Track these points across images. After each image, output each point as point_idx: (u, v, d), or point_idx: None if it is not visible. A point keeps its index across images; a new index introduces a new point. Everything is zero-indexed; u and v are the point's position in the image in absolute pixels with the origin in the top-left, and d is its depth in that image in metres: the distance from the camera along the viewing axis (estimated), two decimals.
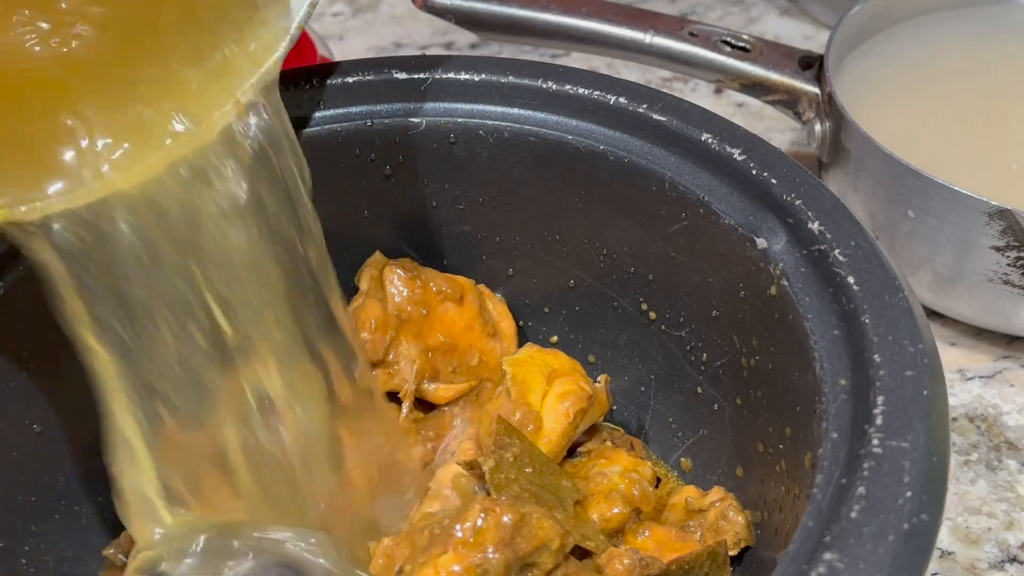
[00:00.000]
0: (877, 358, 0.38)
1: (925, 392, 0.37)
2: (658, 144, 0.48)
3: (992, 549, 0.55)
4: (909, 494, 0.34)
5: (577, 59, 0.86)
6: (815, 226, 0.43)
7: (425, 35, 0.89)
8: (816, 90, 0.65)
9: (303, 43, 0.74)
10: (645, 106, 0.49)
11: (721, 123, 0.48)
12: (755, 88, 0.67)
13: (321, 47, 0.74)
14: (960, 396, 0.62)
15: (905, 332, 0.38)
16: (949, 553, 0.54)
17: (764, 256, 0.44)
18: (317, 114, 0.51)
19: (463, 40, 0.88)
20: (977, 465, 0.58)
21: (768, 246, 0.44)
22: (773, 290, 0.43)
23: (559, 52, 0.86)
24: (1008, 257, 0.58)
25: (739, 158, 0.46)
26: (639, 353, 0.55)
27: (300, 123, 0.50)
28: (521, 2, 0.66)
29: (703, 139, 0.47)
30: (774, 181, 0.45)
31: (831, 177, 0.66)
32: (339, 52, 0.83)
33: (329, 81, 0.51)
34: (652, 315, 0.53)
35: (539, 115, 0.50)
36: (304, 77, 0.51)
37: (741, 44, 0.66)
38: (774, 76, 0.66)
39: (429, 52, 0.88)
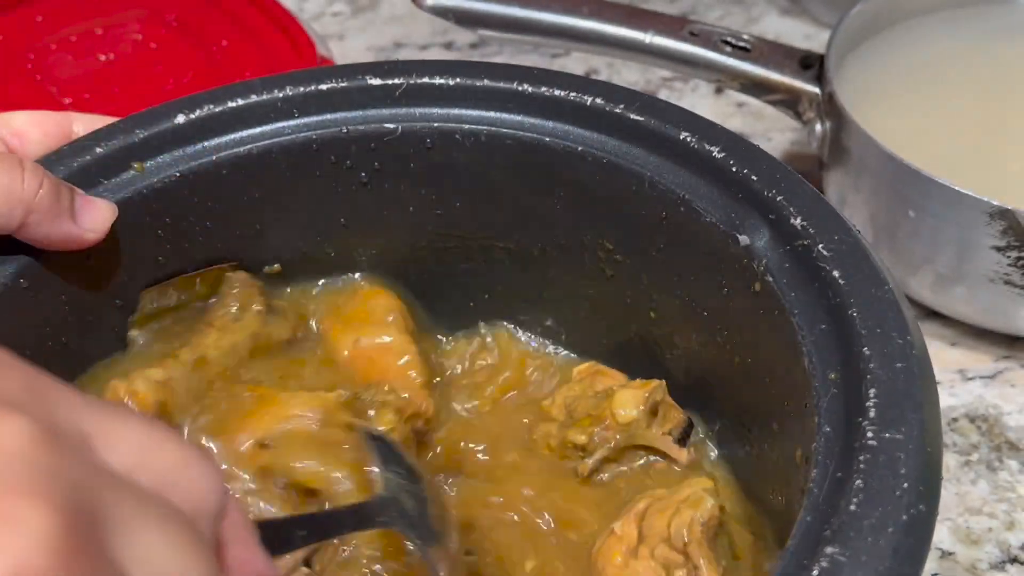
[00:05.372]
0: (866, 351, 0.38)
1: (916, 383, 0.37)
2: (637, 144, 0.48)
3: (993, 549, 0.54)
4: (906, 485, 0.34)
5: (577, 58, 0.86)
6: (797, 221, 0.43)
7: (425, 35, 0.89)
8: (817, 90, 0.65)
9: (303, 43, 0.74)
10: (622, 106, 0.49)
11: (699, 122, 0.48)
12: (755, 88, 0.67)
13: (321, 47, 0.74)
14: (961, 396, 0.62)
15: (893, 324, 0.38)
16: (950, 553, 0.54)
17: (747, 253, 0.44)
18: (291, 122, 0.50)
19: (463, 40, 0.88)
20: (978, 465, 0.58)
21: (751, 243, 0.44)
22: (757, 286, 0.43)
23: (559, 52, 0.86)
24: (1009, 257, 0.58)
25: (718, 156, 0.46)
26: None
27: (274, 133, 0.50)
28: (521, 2, 0.66)
29: (682, 138, 0.47)
30: (754, 178, 0.45)
31: (832, 177, 0.66)
32: (339, 52, 0.83)
33: (303, 88, 0.51)
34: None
35: (516, 117, 0.50)
36: (277, 85, 0.51)
37: (741, 44, 0.66)
38: (774, 76, 0.66)
39: (429, 52, 0.88)
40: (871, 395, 0.36)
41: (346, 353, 0.53)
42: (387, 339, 0.53)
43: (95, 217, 0.45)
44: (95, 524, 0.24)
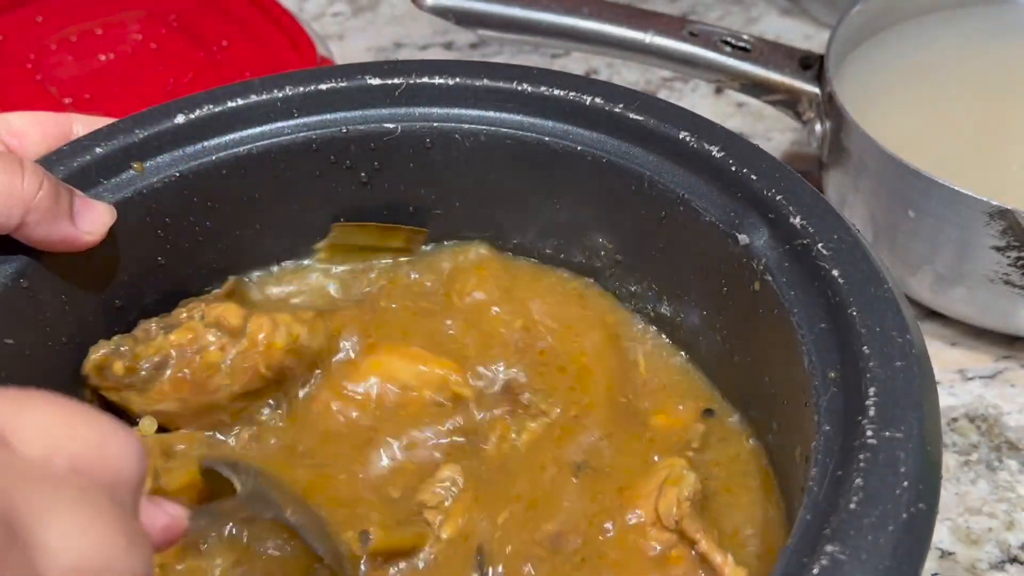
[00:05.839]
0: (866, 350, 0.38)
1: (916, 382, 0.37)
2: (636, 143, 0.48)
3: (992, 549, 0.54)
4: (906, 484, 0.34)
5: (577, 59, 0.86)
6: (797, 220, 0.43)
7: (425, 35, 0.89)
8: (816, 90, 0.65)
9: (303, 43, 0.74)
10: (622, 106, 0.49)
11: (698, 121, 0.48)
12: (755, 88, 0.67)
13: (321, 47, 0.74)
14: (960, 396, 0.62)
15: (892, 323, 0.38)
16: (950, 553, 0.54)
17: (747, 252, 0.44)
18: (291, 122, 0.50)
19: (463, 40, 0.88)
20: (978, 465, 0.58)
21: (750, 242, 0.44)
22: (757, 286, 0.43)
23: (559, 52, 0.86)
24: (1008, 257, 0.58)
25: (718, 155, 0.46)
26: None
27: (274, 133, 0.50)
28: (521, 2, 0.66)
29: (681, 137, 0.47)
30: (754, 177, 0.45)
31: (832, 177, 0.66)
32: (339, 52, 0.83)
33: (303, 88, 0.51)
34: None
35: (516, 117, 0.50)
36: (277, 85, 0.51)
37: (741, 44, 0.66)
38: (774, 76, 0.66)
39: (429, 52, 0.88)
40: (871, 394, 0.36)
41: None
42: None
43: (94, 219, 0.45)
44: (12, 524, 0.25)
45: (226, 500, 0.43)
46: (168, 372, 0.47)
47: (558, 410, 0.49)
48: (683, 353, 0.51)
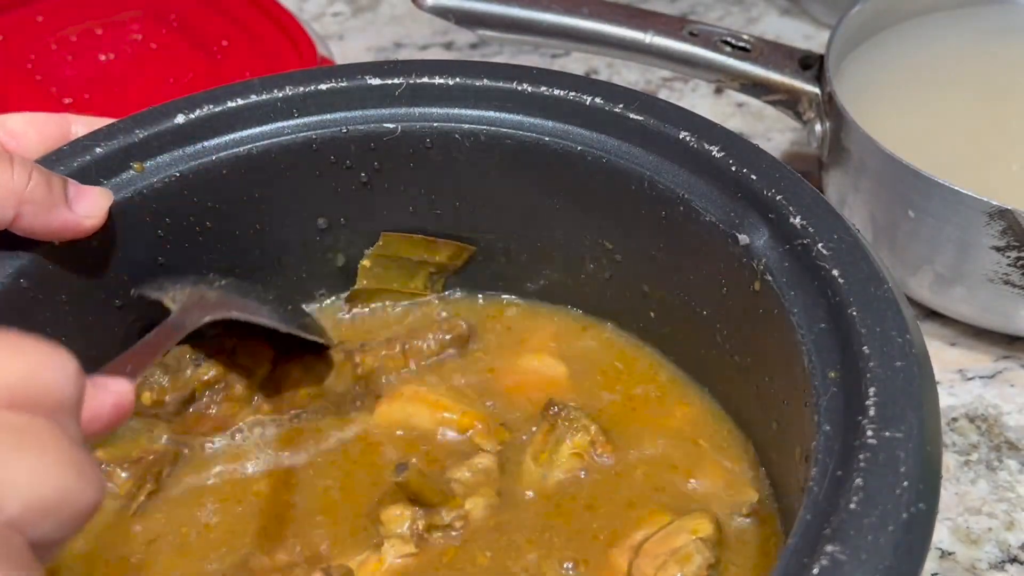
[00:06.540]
0: (866, 350, 0.38)
1: (916, 382, 0.37)
2: (636, 143, 0.48)
3: (992, 549, 0.54)
4: (906, 484, 0.34)
5: (577, 59, 0.86)
6: (797, 220, 0.43)
7: (425, 35, 0.89)
8: (816, 90, 0.65)
9: (303, 43, 0.74)
10: (621, 106, 0.49)
11: (698, 121, 0.48)
12: (755, 88, 0.67)
13: (321, 47, 0.74)
14: (960, 396, 0.62)
15: (892, 323, 0.38)
16: (949, 553, 0.54)
17: (747, 252, 0.44)
18: (291, 122, 0.50)
19: (463, 40, 0.88)
20: (977, 465, 0.58)
21: (750, 242, 0.44)
22: (757, 285, 0.43)
23: (559, 52, 0.86)
24: (1008, 257, 0.57)
25: (718, 155, 0.46)
26: None
27: (274, 132, 0.50)
28: (521, 2, 0.66)
29: (681, 137, 0.47)
30: (754, 177, 0.45)
31: (832, 177, 0.66)
32: (339, 52, 0.83)
33: (303, 88, 0.51)
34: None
35: (515, 117, 0.50)
36: (277, 85, 0.51)
37: (741, 44, 0.66)
38: (774, 76, 0.66)
39: (429, 52, 0.88)
40: (871, 394, 0.36)
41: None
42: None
43: (91, 203, 0.45)
44: None
45: (158, 328, 0.44)
46: (192, 407, 0.49)
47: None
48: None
